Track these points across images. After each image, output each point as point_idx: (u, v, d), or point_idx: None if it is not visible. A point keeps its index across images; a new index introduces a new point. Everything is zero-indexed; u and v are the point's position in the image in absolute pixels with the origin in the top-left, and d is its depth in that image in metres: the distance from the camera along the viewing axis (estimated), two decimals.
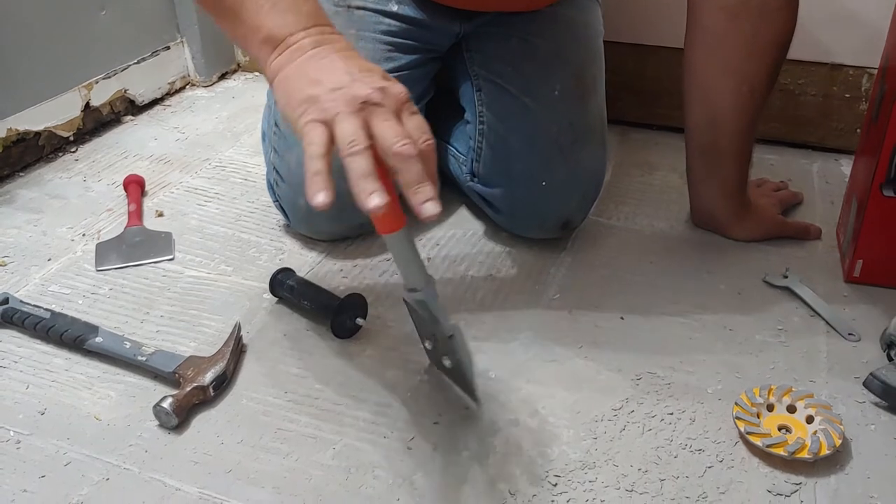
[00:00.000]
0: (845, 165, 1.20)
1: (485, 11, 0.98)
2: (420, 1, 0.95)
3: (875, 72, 1.07)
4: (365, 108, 0.57)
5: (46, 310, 0.86)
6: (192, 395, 0.76)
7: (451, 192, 1.10)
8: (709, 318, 0.89)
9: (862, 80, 1.18)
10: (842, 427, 0.71)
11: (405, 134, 0.57)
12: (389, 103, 0.58)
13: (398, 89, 0.59)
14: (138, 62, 1.37)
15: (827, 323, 0.88)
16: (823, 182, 1.17)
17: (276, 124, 0.99)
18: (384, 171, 0.58)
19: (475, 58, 1.00)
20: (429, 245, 1.01)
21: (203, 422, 0.75)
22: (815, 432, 0.71)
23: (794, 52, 0.92)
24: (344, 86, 0.57)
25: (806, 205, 1.11)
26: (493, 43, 0.99)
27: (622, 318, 0.89)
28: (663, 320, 0.89)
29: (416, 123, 0.59)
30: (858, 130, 1.18)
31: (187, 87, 1.49)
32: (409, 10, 0.96)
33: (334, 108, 0.57)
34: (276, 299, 0.91)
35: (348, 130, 0.56)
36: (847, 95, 1.20)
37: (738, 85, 0.89)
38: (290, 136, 0.97)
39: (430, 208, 0.55)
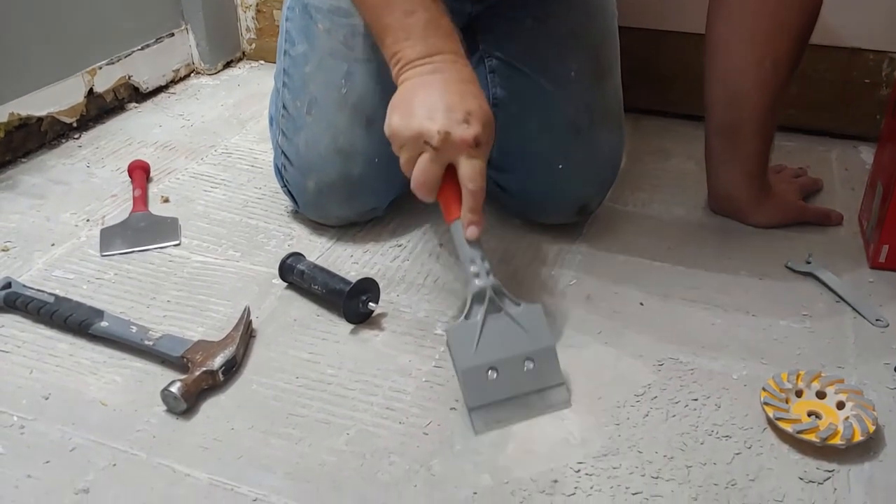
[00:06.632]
0: (864, 153, 1.18)
1: None
2: None
3: None
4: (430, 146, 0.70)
5: (50, 294, 0.84)
6: (201, 379, 0.73)
7: None
8: (730, 304, 0.86)
9: (883, 64, 1.16)
10: (875, 413, 0.69)
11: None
12: (447, 148, 0.70)
13: (465, 134, 0.69)
14: (142, 48, 1.35)
15: (853, 308, 0.85)
16: (842, 169, 1.15)
17: (284, 107, 0.97)
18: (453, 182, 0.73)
19: (487, 38, 0.98)
20: (439, 234, 0.99)
21: (212, 407, 0.73)
22: (846, 418, 0.69)
23: (813, 37, 0.90)
24: (423, 127, 0.70)
25: (825, 192, 1.08)
26: (506, 23, 0.97)
27: (641, 303, 0.87)
28: (684, 306, 0.86)
29: (468, 168, 0.70)
30: (879, 117, 1.15)
31: (192, 74, 1.47)
32: None
33: (414, 148, 0.71)
34: (285, 284, 0.89)
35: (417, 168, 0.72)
36: (867, 81, 1.18)
37: (762, 59, 0.87)
38: (299, 118, 0.94)
39: (471, 232, 0.73)
